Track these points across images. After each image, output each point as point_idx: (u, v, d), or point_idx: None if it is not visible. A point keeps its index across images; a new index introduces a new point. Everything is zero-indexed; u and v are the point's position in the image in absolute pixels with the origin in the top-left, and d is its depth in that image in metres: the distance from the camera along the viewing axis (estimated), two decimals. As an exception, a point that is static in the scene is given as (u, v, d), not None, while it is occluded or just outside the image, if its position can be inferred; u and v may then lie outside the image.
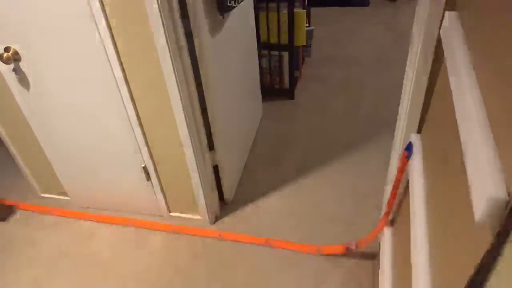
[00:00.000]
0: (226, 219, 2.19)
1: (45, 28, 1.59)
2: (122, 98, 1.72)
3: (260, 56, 2.86)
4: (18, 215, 2.35)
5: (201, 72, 1.77)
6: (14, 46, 1.68)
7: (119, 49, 1.58)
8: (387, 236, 1.68)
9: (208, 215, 2.12)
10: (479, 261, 0.55)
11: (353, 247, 1.81)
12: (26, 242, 2.17)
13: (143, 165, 1.98)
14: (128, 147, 1.92)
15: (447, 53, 0.98)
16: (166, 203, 2.15)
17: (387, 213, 1.64)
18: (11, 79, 1.81)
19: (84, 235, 2.16)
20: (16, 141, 2.16)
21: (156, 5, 1.40)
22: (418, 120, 1.41)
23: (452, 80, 0.86)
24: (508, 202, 0.50)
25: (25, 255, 2.09)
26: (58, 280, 1.95)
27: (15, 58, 1.70)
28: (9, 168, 2.52)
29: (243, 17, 2.29)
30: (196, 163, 1.88)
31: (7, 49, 1.67)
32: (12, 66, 1.72)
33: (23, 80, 1.80)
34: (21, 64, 1.73)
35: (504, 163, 0.54)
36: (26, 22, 1.60)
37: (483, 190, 0.54)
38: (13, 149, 2.21)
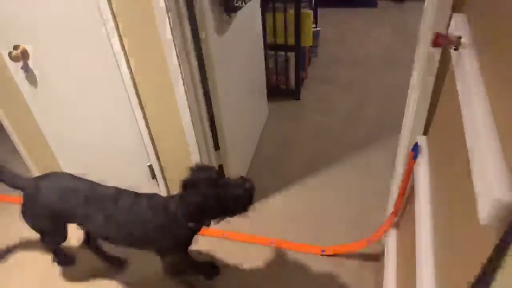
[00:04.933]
0: (230, 219, 2.19)
1: (53, 26, 1.61)
2: (128, 97, 1.73)
3: (266, 56, 2.86)
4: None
5: (207, 72, 1.78)
6: (23, 45, 1.70)
7: (125, 48, 1.59)
8: (391, 237, 1.67)
9: (212, 214, 2.12)
10: (484, 263, 0.55)
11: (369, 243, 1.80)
12: (30, 239, 2.18)
13: (148, 164, 1.99)
14: (134, 146, 1.94)
15: (454, 55, 0.97)
16: (171, 201, 2.16)
17: (394, 213, 1.64)
18: (19, 77, 1.83)
19: (90, 233, 2.17)
20: (22, 137, 2.18)
21: (163, 5, 1.41)
22: (424, 121, 1.41)
23: (459, 82, 0.86)
24: (513, 204, 0.50)
25: (30, 252, 2.11)
26: (63, 277, 1.97)
27: (24, 56, 1.71)
28: (16, 164, 2.53)
29: (250, 17, 2.30)
30: (202, 162, 1.88)
31: (16, 47, 1.69)
32: (20, 64, 1.73)
33: (31, 78, 1.81)
34: (29, 62, 1.75)
35: (510, 165, 0.54)
36: (34, 21, 1.61)
37: (489, 191, 0.54)
38: (19, 145, 2.22)
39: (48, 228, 1.65)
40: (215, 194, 1.40)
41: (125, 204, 1.52)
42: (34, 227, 1.65)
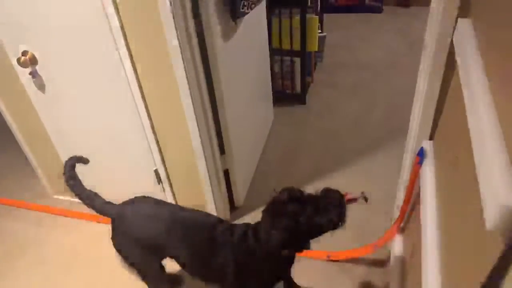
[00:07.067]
0: (236, 224, 2.18)
1: (61, 32, 1.62)
2: (135, 102, 1.74)
3: (272, 61, 2.87)
4: (31, 216, 2.39)
5: (213, 77, 1.79)
6: (31, 50, 1.72)
7: (132, 54, 1.60)
8: (398, 243, 1.67)
9: (218, 219, 2.12)
10: (490, 269, 0.55)
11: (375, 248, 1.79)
12: (38, 243, 2.20)
13: (154, 169, 2.00)
14: (140, 150, 1.94)
15: (459, 60, 0.97)
16: (177, 206, 2.16)
17: (400, 218, 1.63)
18: (27, 82, 1.85)
19: (96, 237, 2.18)
20: (30, 143, 2.20)
21: (169, 10, 1.42)
22: (430, 126, 1.41)
23: (464, 87, 0.86)
24: (520, 210, 0.50)
25: (37, 256, 2.12)
26: (69, 281, 1.97)
27: (32, 61, 1.73)
28: (23, 169, 2.56)
29: (256, 23, 2.31)
30: (207, 167, 1.88)
31: (24, 53, 1.71)
32: (29, 69, 1.75)
33: (39, 83, 1.83)
34: (37, 67, 1.77)
35: (516, 170, 0.54)
36: (43, 28, 1.63)
37: (495, 197, 0.54)
38: (27, 150, 2.24)
39: (139, 261, 1.51)
40: (303, 212, 1.21)
41: (217, 233, 1.37)
42: (125, 259, 1.52)
